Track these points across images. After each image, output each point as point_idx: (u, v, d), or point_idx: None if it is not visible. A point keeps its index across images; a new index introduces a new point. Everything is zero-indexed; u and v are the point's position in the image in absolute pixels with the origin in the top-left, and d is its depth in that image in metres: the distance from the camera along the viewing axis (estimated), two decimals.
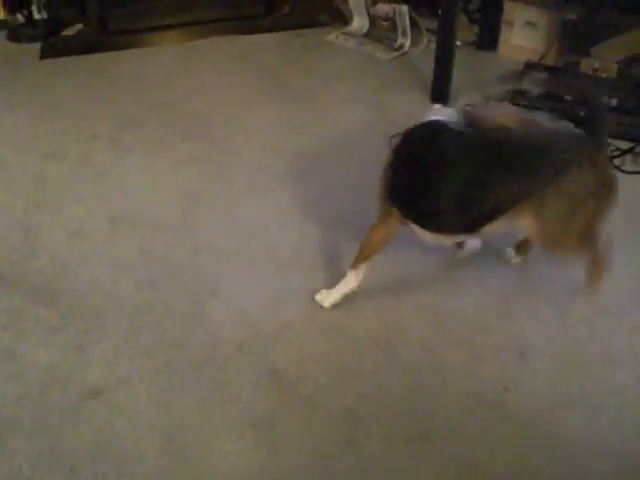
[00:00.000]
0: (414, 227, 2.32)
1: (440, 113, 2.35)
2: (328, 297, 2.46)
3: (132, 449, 2.01)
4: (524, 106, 3.47)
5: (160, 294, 2.54)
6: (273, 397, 2.16)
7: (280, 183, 3.11)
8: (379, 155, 3.25)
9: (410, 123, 2.36)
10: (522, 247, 2.65)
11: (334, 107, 3.66)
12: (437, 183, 2.18)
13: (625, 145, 3.37)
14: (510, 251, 2.67)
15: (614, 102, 3.42)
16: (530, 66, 3.71)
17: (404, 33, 4.28)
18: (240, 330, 2.39)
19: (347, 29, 4.47)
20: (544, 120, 2.19)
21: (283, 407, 2.13)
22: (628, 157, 3.32)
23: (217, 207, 2.97)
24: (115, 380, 2.22)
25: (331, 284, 2.49)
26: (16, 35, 4.46)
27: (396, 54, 4.22)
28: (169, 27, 4.53)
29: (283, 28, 4.52)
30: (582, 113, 3.26)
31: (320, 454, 2.00)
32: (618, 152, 3.34)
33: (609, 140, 3.33)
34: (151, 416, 2.11)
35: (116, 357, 2.30)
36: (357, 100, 3.71)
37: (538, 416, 2.11)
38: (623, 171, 3.24)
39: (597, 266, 2.41)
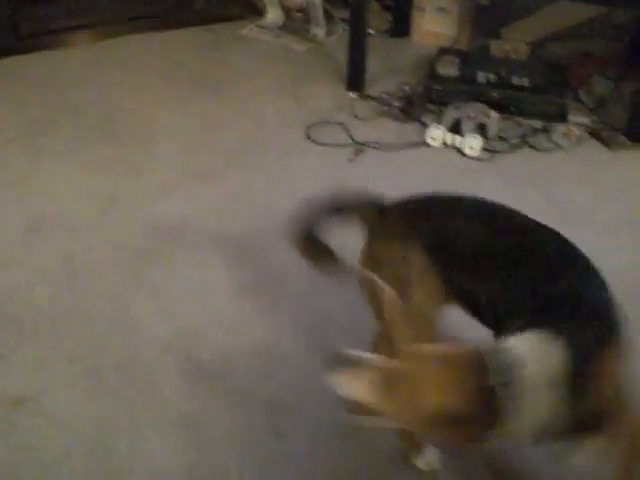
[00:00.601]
0: None
1: None
2: None
3: (60, 455, 1.98)
4: (438, 90, 3.51)
5: (81, 298, 2.50)
6: (200, 394, 2.15)
7: (199, 180, 3.09)
8: (298, 146, 3.29)
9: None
10: None
11: (251, 100, 3.64)
12: None
13: (538, 124, 3.44)
14: None
15: (526, 82, 3.49)
16: (443, 51, 3.76)
17: (317, 23, 4.27)
18: (165, 328, 2.37)
19: (261, 22, 4.45)
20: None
21: (210, 404, 2.12)
22: (542, 136, 3.39)
23: (135, 207, 2.93)
24: (39, 387, 2.18)
25: (255, 277, 2.49)
26: None
27: (311, 45, 4.22)
28: (80, 27, 4.43)
29: (197, 23, 4.46)
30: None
31: (249, 449, 2.00)
32: (532, 131, 3.41)
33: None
34: (78, 421, 2.08)
35: (39, 364, 2.26)
36: (274, 92, 3.70)
37: None
38: (538, 149, 3.32)
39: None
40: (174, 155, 3.26)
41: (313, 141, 3.31)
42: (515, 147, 3.33)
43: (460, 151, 3.26)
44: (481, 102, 3.40)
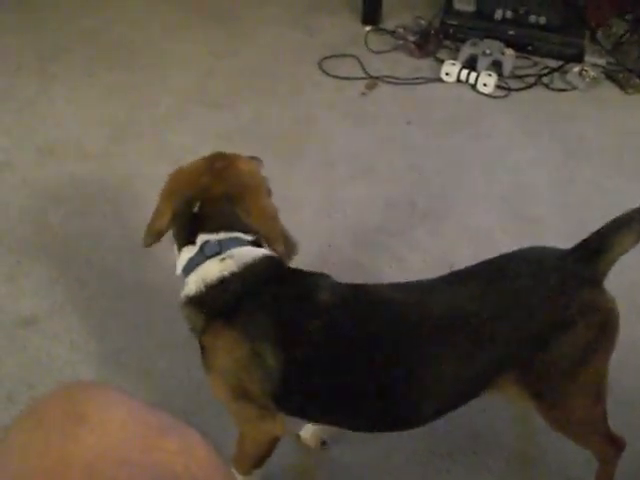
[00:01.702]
0: None
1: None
2: None
3: (69, 376, 2.03)
4: (454, 26, 3.47)
5: (92, 222, 2.52)
6: None
7: (209, 107, 3.08)
8: (311, 78, 3.27)
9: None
10: None
11: (260, 29, 3.58)
12: None
13: (553, 63, 3.40)
14: None
15: (543, 20, 3.44)
16: None
17: None
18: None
19: None
20: None
21: None
22: (556, 75, 3.36)
23: (146, 134, 2.93)
24: (49, 309, 2.22)
25: None
26: None
27: None
28: None
29: None
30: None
31: None
32: (547, 70, 3.37)
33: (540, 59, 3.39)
34: (87, 343, 2.13)
35: (49, 286, 2.29)
36: (284, 22, 3.64)
37: None
38: (552, 89, 3.29)
39: (609, 467, 1.73)
40: (186, 83, 3.24)
41: (326, 73, 3.28)
42: (529, 86, 3.30)
43: (474, 88, 3.23)
44: (497, 39, 3.37)
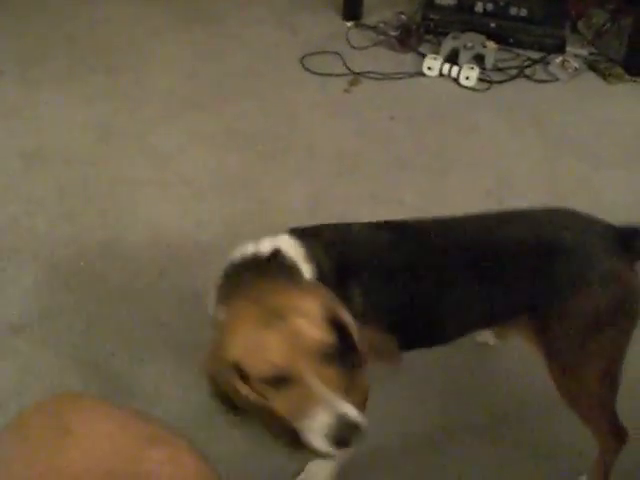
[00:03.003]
0: None
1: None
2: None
3: (58, 382, 2.02)
4: (435, 20, 3.47)
5: (78, 228, 2.51)
6: (196, 320, 2.18)
7: (193, 109, 3.07)
8: (294, 76, 3.27)
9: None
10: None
11: (246, 30, 3.58)
12: None
13: (536, 55, 3.41)
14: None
15: (524, 12, 3.45)
16: None
17: None
18: (161, 257, 2.40)
19: None
20: None
21: (206, 330, 2.15)
22: (538, 67, 3.37)
23: (131, 137, 2.92)
24: (37, 315, 2.22)
25: (250, 207, 2.51)
26: None
27: None
28: None
29: None
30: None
31: None
32: (529, 62, 3.39)
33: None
34: (76, 348, 2.13)
35: (36, 293, 2.29)
36: (267, 21, 3.63)
37: None
38: (535, 80, 3.30)
39: (609, 456, 1.74)
40: (169, 85, 3.23)
41: (309, 71, 3.28)
42: (512, 78, 3.31)
43: (457, 81, 3.24)
44: (479, 32, 3.37)
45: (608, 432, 1.68)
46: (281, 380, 1.19)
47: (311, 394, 1.18)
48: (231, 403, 1.31)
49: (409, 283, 1.55)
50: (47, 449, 0.55)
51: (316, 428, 1.18)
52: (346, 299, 1.38)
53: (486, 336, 2.09)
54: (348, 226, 1.66)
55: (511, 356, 2.10)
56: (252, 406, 1.27)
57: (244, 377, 1.24)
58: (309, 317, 1.21)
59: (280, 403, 1.23)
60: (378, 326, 1.46)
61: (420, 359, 2.06)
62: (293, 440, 1.29)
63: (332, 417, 1.18)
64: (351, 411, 1.19)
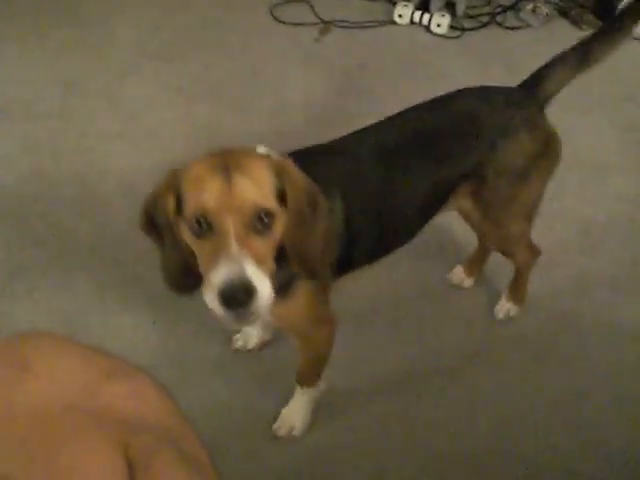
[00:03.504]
0: None
1: None
2: (297, 424, 1.85)
3: None
4: None
5: (47, 183, 2.48)
6: None
7: (161, 60, 3.03)
8: (263, 26, 3.22)
9: None
10: (473, 264, 2.21)
11: None
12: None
13: (507, 2, 3.39)
14: (459, 271, 2.21)
15: None
16: None
17: None
18: (132, 208, 2.36)
19: None
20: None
21: None
22: (510, 13, 3.35)
23: (98, 91, 2.88)
24: (8, 272, 2.20)
25: None
26: None
27: None
28: None
29: None
30: None
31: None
32: (500, 9, 3.36)
33: None
34: (49, 302, 2.11)
35: (7, 250, 2.26)
36: None
37: None
38: (506, 27, 3.28)
39: (526, 272, 2.06)
40: (135, 37, 3.18)
41: (278, 20, 3.24)
42: (483, 25, 3.29)
43: (428, 29, 3.21)
44: None
45: (527, 253, 1.96)
46: (208, 225, 1.20)
47: (223, 246, 1.17)
48: (155, 232, 1.39)
49: (376, 171, 1.64)
50: (4, 385, 0.54)
51: (213, 282, 1.16)
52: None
53: (460, 277, 2.18)
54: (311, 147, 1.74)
55: (480, 301, 2.13)
56: (171, 236, 1.30)
57: (179, 211, 1.26)
58: (256, 179, 1.22)
59: (198, 247, 1.23)
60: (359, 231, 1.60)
61: (390, 303, 2.09)
62: (180, 285, 1.38)
63: (231, 273, 1.15)
64: (254, 274, 1.17)
